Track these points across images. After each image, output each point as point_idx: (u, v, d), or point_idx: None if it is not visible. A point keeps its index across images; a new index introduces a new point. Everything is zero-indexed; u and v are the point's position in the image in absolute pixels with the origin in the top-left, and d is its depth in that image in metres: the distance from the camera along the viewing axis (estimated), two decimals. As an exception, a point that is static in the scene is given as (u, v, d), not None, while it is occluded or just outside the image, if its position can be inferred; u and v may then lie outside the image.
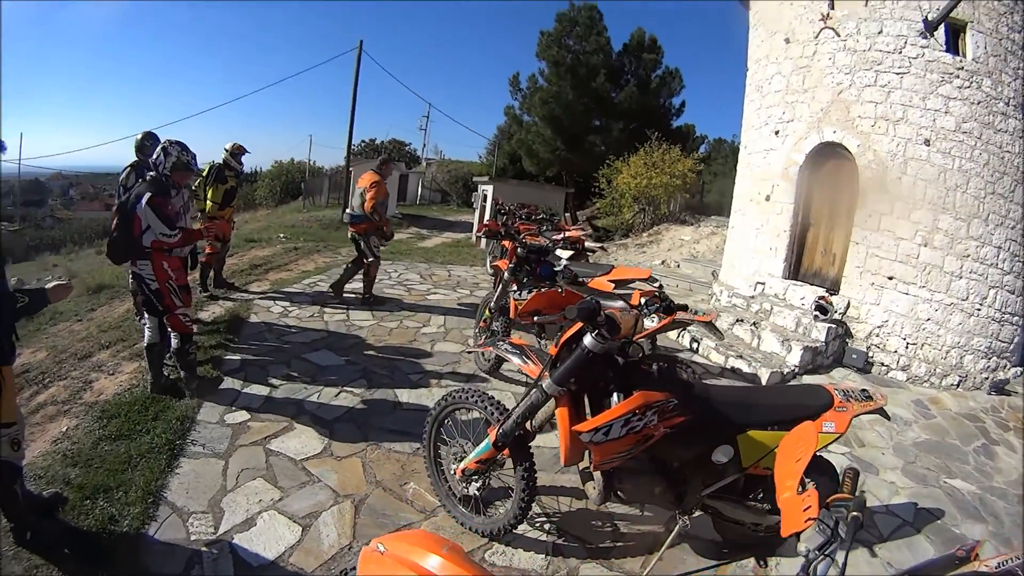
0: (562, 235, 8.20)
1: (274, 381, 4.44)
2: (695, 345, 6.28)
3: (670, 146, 16.02)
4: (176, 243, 3.93)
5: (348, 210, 6.47)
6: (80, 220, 35.09)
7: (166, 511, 2.85)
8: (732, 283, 8.31)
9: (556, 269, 4.79)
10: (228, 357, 4.86)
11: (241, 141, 6.96)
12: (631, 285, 5.08)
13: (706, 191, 22.23)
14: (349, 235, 6.86)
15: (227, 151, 6.86)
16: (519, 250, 4.84)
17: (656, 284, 5.04)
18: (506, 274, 4.85)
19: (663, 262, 12.25)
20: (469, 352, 5.25)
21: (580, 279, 4.90)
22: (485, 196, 15.83)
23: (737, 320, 6.65)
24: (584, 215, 20.58)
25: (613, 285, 4.88)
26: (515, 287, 4.67)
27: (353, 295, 6.92)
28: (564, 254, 6.81)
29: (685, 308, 3.87)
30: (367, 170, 6.99)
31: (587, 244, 8.20)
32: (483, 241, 11.06)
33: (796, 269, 7.46)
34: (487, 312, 5.05)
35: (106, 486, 2.96)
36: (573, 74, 20.45)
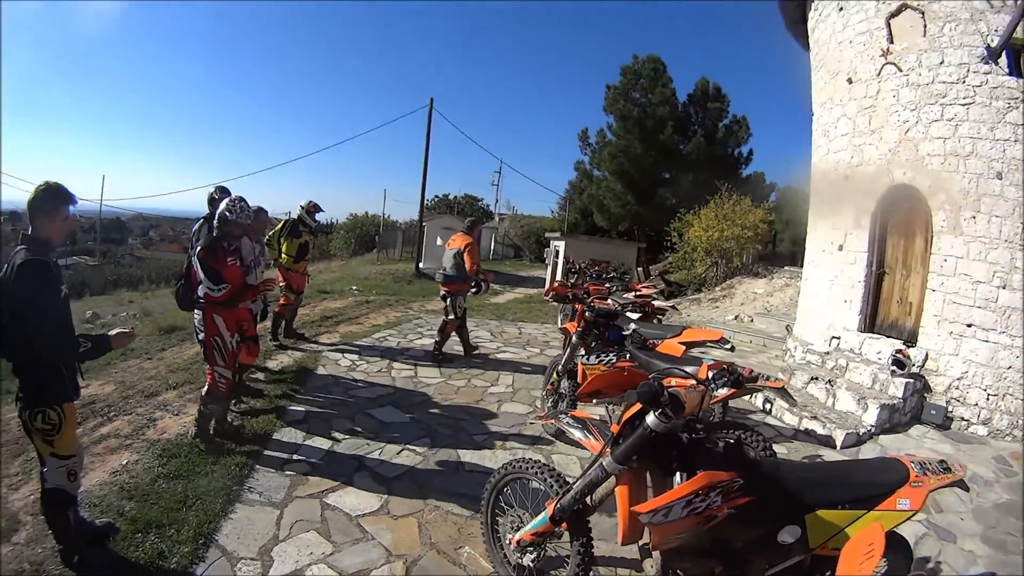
0: (631, 295, 8.06)
1: (337, 435, 4.50)
2: (768, 406, 5.96)
3: (740, 196, 15.69)
4: (220, 298, 3.98)
5: (440, 270, 6.99)
6: (158, 260, 36.82)
7: (215, 554, 2.91)
8: (806, 338, 7.92)
9: (625, 333, 4.69)
10: (292, 408, 5.00)
11: (318, 194, 7.45)
12: (702, 348, 4.97)
13: (778, 240, 21.51)
14: (441, 294, 7.08)
15: (302, 208, 7.27)
16: (587, 314, 4.77)
17: (727, 346, 4.88)
18: (574, 338, 4.80)
19: (736, 317, 11.86)
20: (532, 422, 5.16)
21: (649, 342, 4.77)
22: (557, 252, 15.93)
23: (812, 378, 6.28)
24: (657, 269, 20.22)
25: (684, 348, 4.73)
26: (583, 351, 4.61)
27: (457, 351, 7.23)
28: (633, 316, 6.71)
29: (755, 379, 3.68)
30: (456, 231, 7.40)
31: (657, 304, 7.99)
32: (553, 298, 11.16)
33: (871, 321, 7.03)
34: (555, 375, 4.99)
35: (159, 522, 3.06)
36: (640, 127, 20.61)
